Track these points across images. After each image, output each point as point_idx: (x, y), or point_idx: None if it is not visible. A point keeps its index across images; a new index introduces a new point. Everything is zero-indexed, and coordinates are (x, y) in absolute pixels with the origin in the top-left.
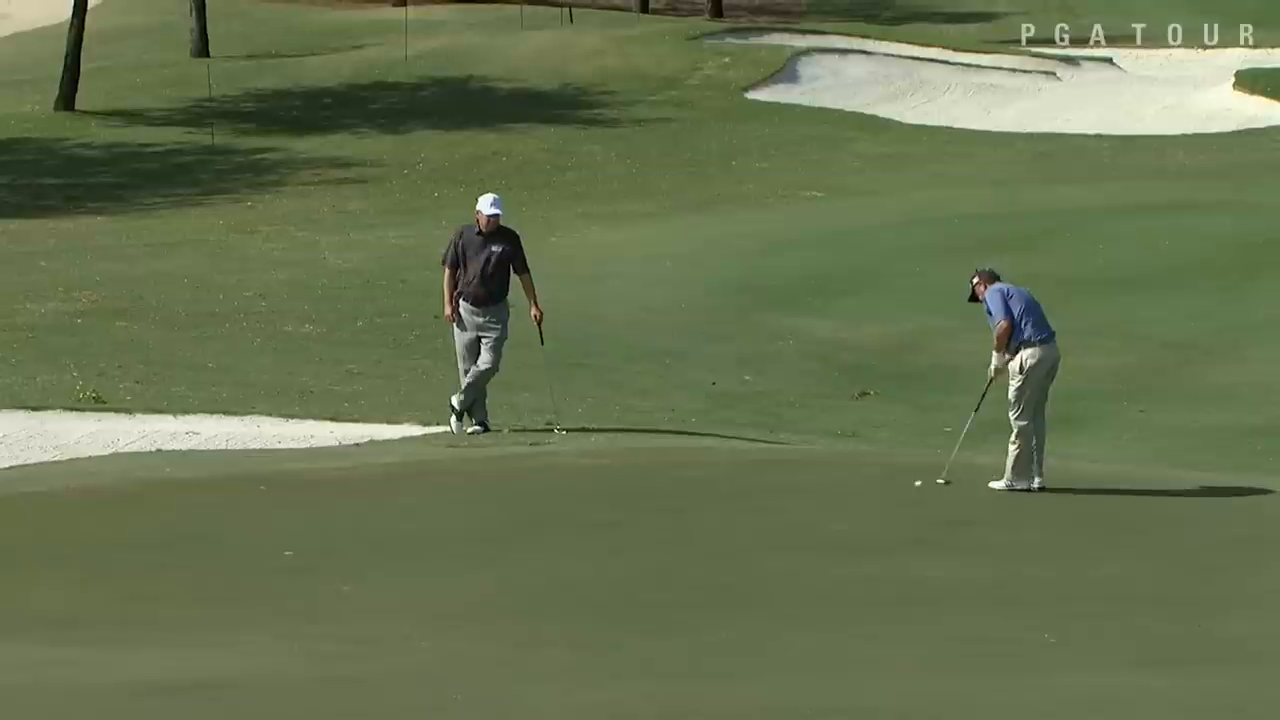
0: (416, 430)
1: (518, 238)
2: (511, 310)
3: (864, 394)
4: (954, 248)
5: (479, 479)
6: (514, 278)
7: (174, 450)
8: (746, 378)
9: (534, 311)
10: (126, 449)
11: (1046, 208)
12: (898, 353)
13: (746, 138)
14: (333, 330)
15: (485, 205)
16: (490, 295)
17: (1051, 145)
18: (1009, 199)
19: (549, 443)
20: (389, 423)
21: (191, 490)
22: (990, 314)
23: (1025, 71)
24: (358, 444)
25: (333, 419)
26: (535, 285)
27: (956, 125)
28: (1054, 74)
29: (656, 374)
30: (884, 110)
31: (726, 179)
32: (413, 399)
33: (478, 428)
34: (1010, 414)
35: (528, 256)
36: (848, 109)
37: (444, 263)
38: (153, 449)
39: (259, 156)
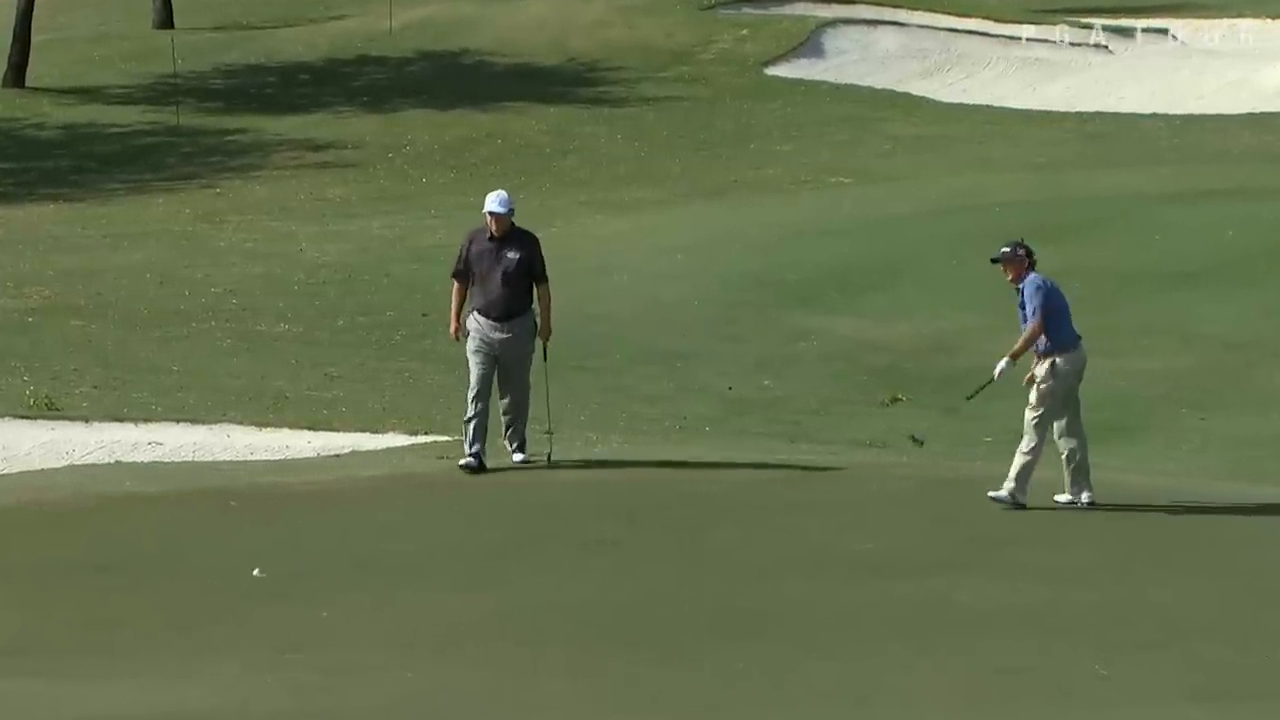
0: (402, 440)
1: (537, 240)
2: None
3: (894, 399)
4: (994, 238)
5: (470, 493)
6: None
7: (135, 462)
8: (765, 382)
9: (543, 328)
10: (82, 460)
11: (1097, 194)
12: (931, 354)
13: (766, 118)
14: (310, 330)
15: (491, 204)
16: (512, 309)
17: (1103, 125)
18: (1055, 185)
19: (547, 454)
20: (372, 432)
21: (154, 506)
22: (1026, 305)
23: (1074, 44)
24: (338, 455)
25: (310, 428)
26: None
27: (998, 104)
28: (1106, 47)
29: (666, 378)
30: (918, 87)
31: (743, 163)
32: (398, 405)
33: (471, 460)
34: (1030, 420)
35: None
36: (878, 86)
37: (453, 275)
38: (111, 460)
39: (229, 138)
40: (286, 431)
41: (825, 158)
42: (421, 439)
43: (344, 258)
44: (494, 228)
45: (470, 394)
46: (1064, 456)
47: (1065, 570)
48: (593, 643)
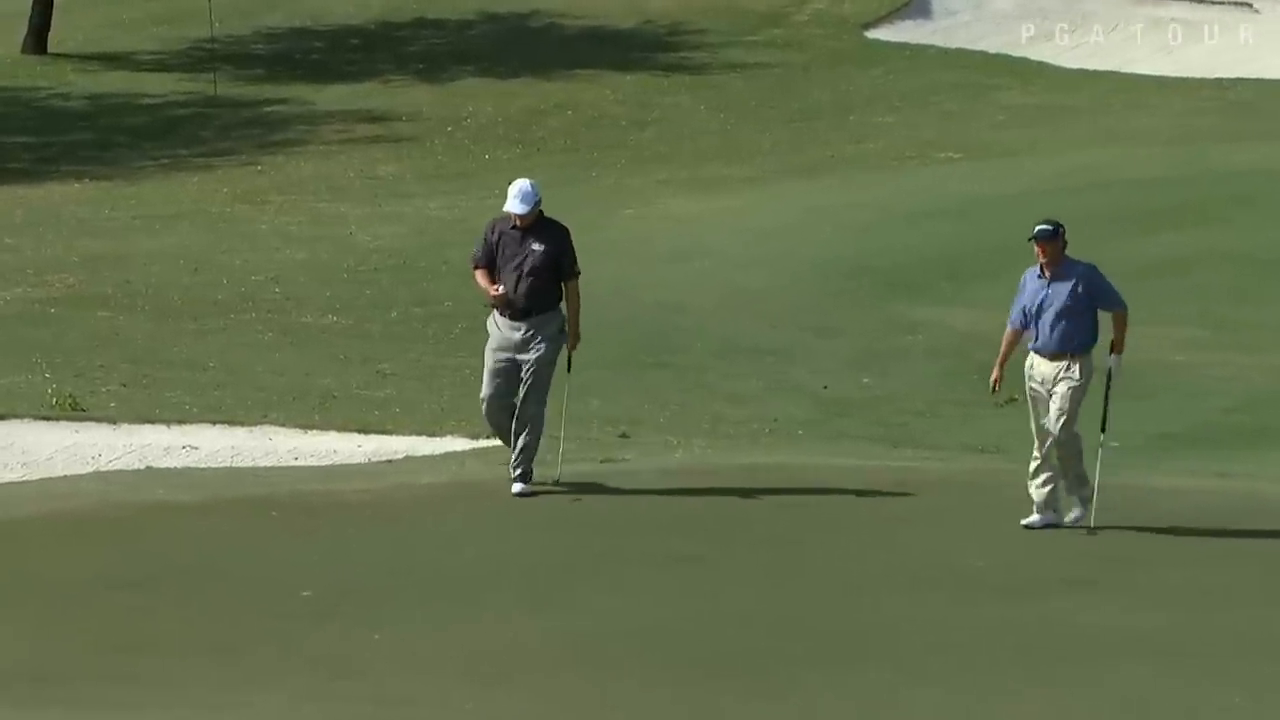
0: (461, 444)
1: (567, 232)
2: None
3: (1010, 400)
4: (1121, 219)
5: (537, 503)
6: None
7: (167, 468)
8: (865, 380)
9: (571, 334)
10: (109, 466)
11: (1237, 170)
12: None
13: (866, 86)
14: (360, 322)
15: (512, 202)
16: (532, 306)
17: (1246, 93)
18: (1191, 160)
19: (622, 459)
20: (428, 435)
21: (188, 516)
22: (1092, 291)
23: (1214, 2)
24: (390, 460)
25: (360, 430)
26: (587, 286)
27: (1127, 69)
28: (1250, 5)
29: (753, 375)
30: (1036, 51)
31: (841, 137)
32: (457, 406)
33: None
34: (1071, 429)
35: (584, 246)
36: (991, 50)
37: (474, 265)
38: (141, 466)
39: (271, 110)
40: (334, 434)
41: (932, 130)
42: (483, 443)
43: (398, 242)
44: (518, 223)
45: (483, 394)
46: (1053, 473)
47: (1196, 592)
48: (671, 671)
